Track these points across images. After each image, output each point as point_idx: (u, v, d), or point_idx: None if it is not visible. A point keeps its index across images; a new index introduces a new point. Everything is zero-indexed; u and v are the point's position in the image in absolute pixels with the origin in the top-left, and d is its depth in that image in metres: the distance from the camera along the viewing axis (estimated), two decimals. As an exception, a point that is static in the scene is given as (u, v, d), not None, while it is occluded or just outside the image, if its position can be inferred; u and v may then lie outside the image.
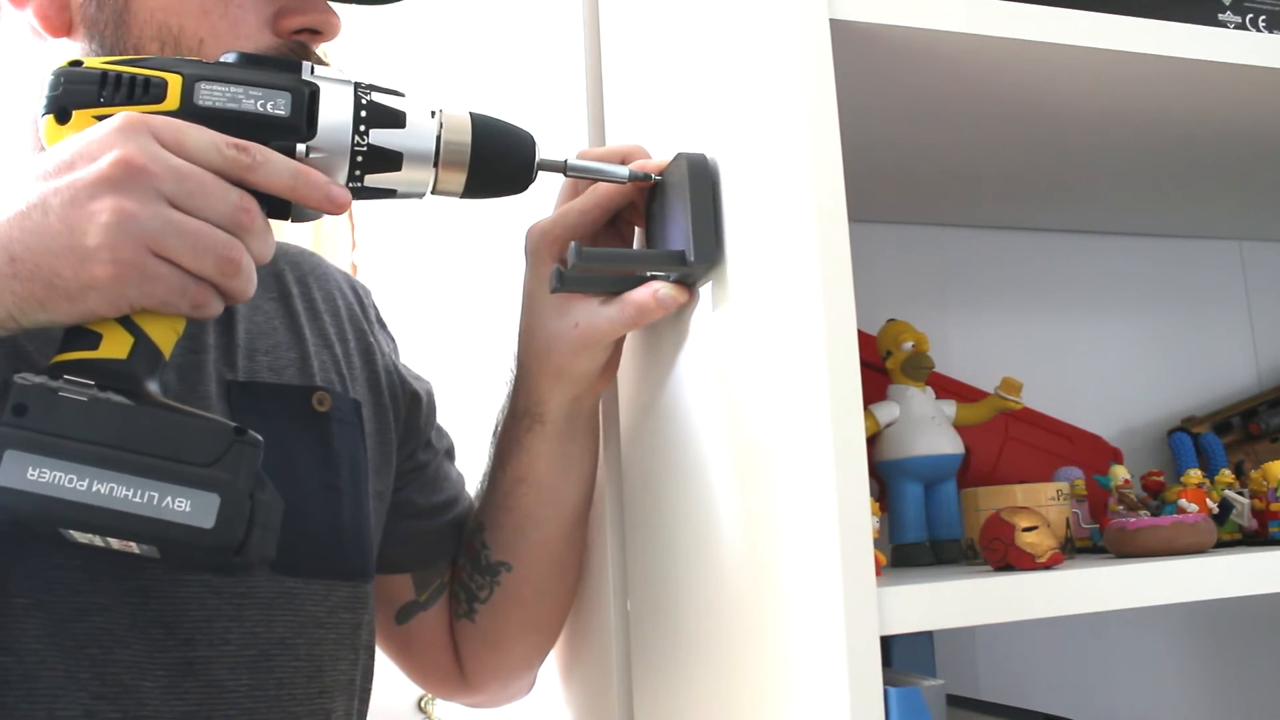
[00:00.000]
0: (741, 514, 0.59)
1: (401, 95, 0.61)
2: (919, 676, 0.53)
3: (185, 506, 0.51)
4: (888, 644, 0.51)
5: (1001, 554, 0.60)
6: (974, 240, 1.03)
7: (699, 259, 0.62)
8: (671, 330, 0.68)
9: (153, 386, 0.54)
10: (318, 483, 0.71)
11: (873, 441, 0.77)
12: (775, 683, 0.55)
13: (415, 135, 0.61)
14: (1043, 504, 0.72)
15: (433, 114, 0.61)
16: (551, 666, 0.89)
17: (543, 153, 0.65)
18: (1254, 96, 0.70)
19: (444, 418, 0.89)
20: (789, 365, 0.53)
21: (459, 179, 0.62)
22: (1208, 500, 0.69)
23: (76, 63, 0.57)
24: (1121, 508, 0.69)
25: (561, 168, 0.66)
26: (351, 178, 0.60)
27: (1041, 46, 0.60)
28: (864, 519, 0.49)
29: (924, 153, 0.81)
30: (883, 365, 0.80)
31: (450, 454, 0.89)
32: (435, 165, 0.61)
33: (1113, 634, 1.00)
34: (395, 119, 0.60)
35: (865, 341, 0.77)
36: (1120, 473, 0.71)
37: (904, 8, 0.57)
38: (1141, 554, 0.63)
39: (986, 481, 0.78)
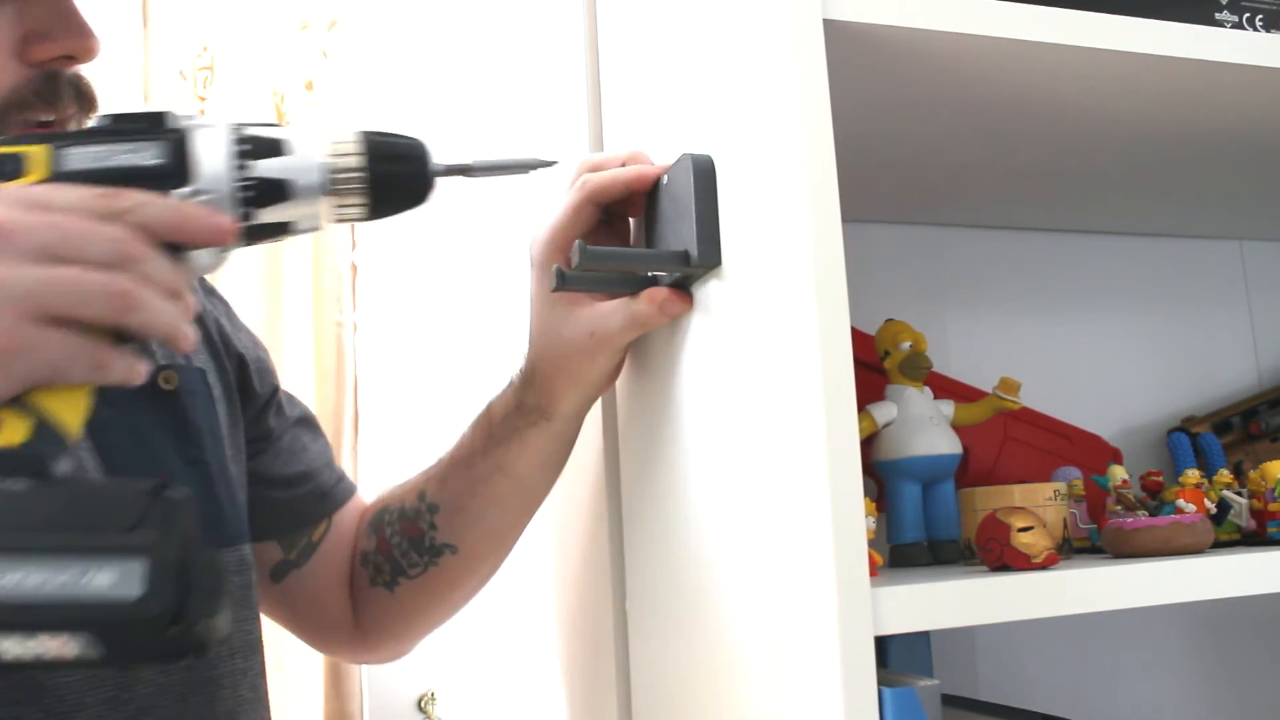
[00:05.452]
0: (737, 514, 0.59)
1: (279, 127, 0.59)
2: (914, 677, 0.53)
3: (107, 580, 0.44)
4: (883, 644, 0.51)
5: (997, 554, 0.60)
6: (972, 240, 1.03)
7: (702, 260, 0.62)
8: (668, 330, 0.69)
9: (63, 466, 0.49)
10: (181, 459, 0.71)
11: (871, 441, 0.77)
12: (771, 683, 0.55)
13: (302, 161, 0.58)
14: (1040, 504, 0.72)
15: (318, 138, 0.59)
16: (551, 666, 0.89)
17: (437, 159, 0.62)
18: (1251, 96, 0.70)
19: (442, 411, 0.89)
20: (783, 364, 0.54)
21: (359, 202, 0.60)
22: (1205, 500, 0.69)
23: None
24: (1119, 508, 0.69)
25: (464, 170, 0.63)
26: (244, 216, 0.57)
27: (1037, 46, 0.60)
28: (858, 519, 0.49)
29: (921, 153, 0.81)
30: (881, 365, 0.79)
31: (306, 422, 0.87)
32: (331, 191, 0.59)
33: (1111, 634, 1.00)
34: (276, 148, 0.58)
35: (863, 341, 0.77)
36: (1118, 473, 0.71)
37: (898, 8, 0.57)
38: (1139, 554, 0.63)
39: (985, 481, 0.78)
